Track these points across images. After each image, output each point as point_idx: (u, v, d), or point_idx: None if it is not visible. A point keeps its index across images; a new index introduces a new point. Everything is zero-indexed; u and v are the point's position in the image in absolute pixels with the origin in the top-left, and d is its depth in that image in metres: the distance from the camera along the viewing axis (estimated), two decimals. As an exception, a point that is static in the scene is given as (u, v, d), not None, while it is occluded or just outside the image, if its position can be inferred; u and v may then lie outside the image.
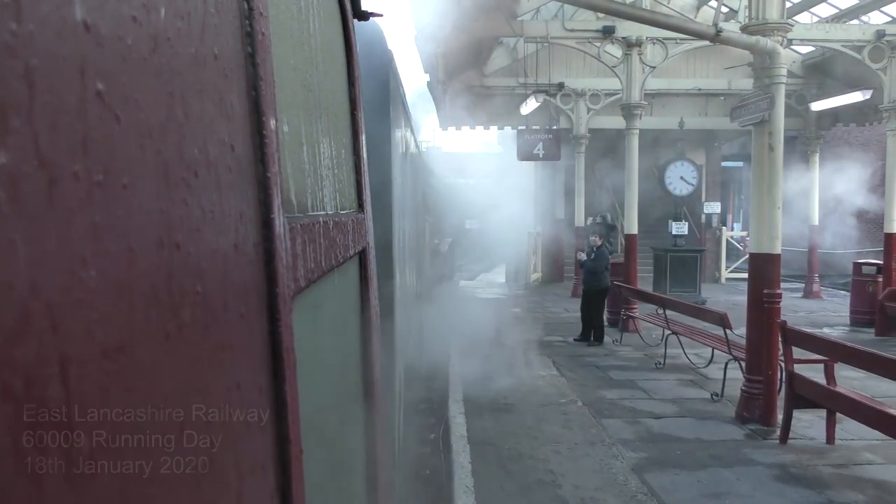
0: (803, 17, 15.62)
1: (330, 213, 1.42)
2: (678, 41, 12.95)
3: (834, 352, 6.60)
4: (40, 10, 0.41)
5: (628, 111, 13.21)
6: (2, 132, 0.37)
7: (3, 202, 0.37)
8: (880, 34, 13.46)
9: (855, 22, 14.77)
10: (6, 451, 0.36)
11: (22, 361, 0.37)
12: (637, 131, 13.24)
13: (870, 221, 22.37)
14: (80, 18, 0.45)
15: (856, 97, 15.02)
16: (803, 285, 18.81)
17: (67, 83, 0.43)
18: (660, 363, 10.23)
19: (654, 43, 13.14)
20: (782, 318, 7.39)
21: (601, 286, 11.84)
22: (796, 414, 6.93)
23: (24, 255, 0.38)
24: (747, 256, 9.32)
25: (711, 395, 8.49)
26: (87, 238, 0.44)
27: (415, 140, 9.09)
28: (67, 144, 0.43)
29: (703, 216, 21.73)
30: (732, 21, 13.56)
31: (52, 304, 0.40)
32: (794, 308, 15.72)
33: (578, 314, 12.44)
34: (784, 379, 7.16)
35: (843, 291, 18.59)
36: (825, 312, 15.77)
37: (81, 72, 0.45)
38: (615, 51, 13.53)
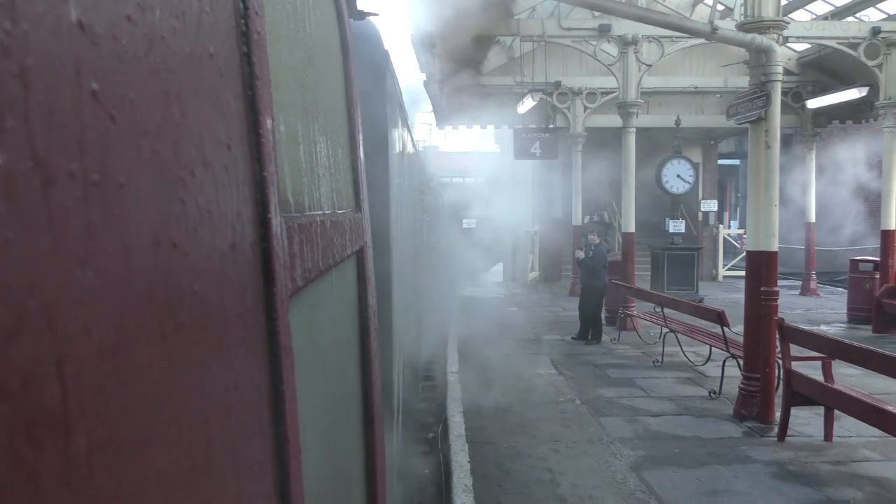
0: (799, 15, 15.64)
1: (327, 212, 1.42)
2: (674, 39, 12.96)
3: (831, 349, 6.61)
4: (35, 9, 0.41)
5: (625, 109, 13.22)
6: (-3, 132, 0.37)
7: (-2, 202, 0.37)
8: (876, 31, 13.48)
9: (851, 19, 14.79)
10: (3, 450, 0.36)
11: (18, 361, 0.37)
12: (634, 129, 13.25)
13: (867, 220, 22.42)
14: (75, 18, 0.45)
15: (852, 94, 15.04)
16: (801, 282, 18.85)
17: (63, 83, 0.43)
18: (658, 361, 10.24)
19: (650, 41, 13.15)
20: (779, 315, 7.40)
21: (599, 284, 11.85)
22: (794, 411, 6.94)
23: (20, 254, 0.38)
24: (744, 254, 9.33)
25: (709, 392, 8.50)
26: (84, 237, 0.44)
27: (411, 139, 9.09)
28: (63, 144, 0.43)
29: (700, 214, 21.75)
30: (728, 19, 13.61)
31: (49, 303, 0.40)
32: (792, 305, 15.76)
33: (576, 313, 12.45)
34: (782, 376, 7.17)
35: (840, 288, 18.62)
36: (822, 310, 15.80)
37: (77, 71, 0.45)
38: (611, 49, 13.54)
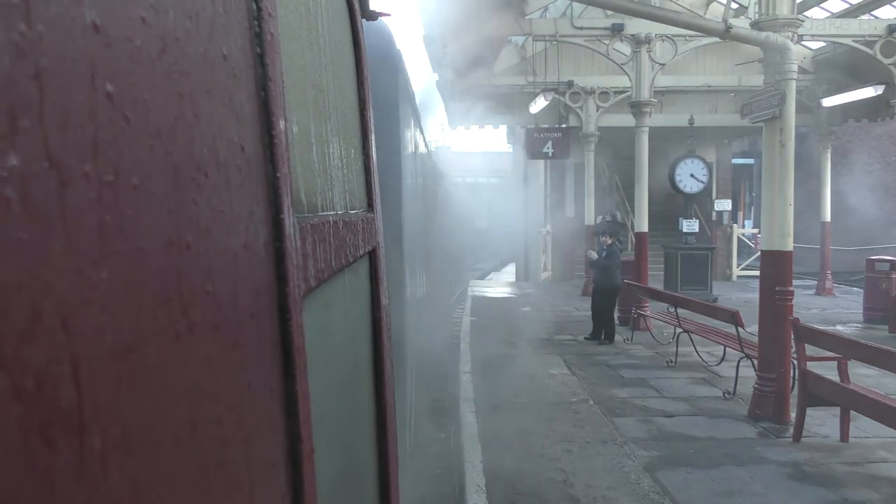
0: (814, 13, 15.52)
1: (340, 212, 1.42)
2: (687, 38, 12.90)
3: (847, 349, 6.56)
4: (50, 11, 0.41)
5: (638, 109, 13.17)
6: (12, 133, 0.37)
7: (13, 203, 0.37)
8: (892, 29, 13.36)
9: (866, 17, 14.66)
10: (18, 450, 0.36)
11: (33, 362, 0.37)
12: (647, 129, 13.19)
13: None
14: (90, 20, 0.45)
15: (867, 92, 14.91)
16: (816, 282, 18.70)
17: (77, 84, 0.44)
18: (671, 361, 10.19)
19: (663, 40, 13.09)
20: (794, 315, 7.34)
21: (612, 284, 11.81)
22: (809, 412, 6.89)
23: (34, 255, 0.38)
24: (759, 254, 9.27)
25: (724, 393, 8.45)
26: (98, 238, 0.44)
27: (424, 139, 9.09)
28: (77, 145, 0.43)
29: (714, 213, 21.63)
30: (742, 17, 13.52)
31: (63, 304, 0.40)
32: (807, 305, 15.63)
33: (589, 312, 12.41)
34: (797, 377, 7.12)
35: (856, 288, 18.46)
36: (838, 309, 15.67)
37: (91, 73, 0.45)
38: (624, 48, 13.49)
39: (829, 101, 16.62)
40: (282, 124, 0.89)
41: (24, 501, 0.36)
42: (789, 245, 7.51)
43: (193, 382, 0.59)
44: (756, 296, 8.09)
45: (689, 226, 17.14)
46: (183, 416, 0.56)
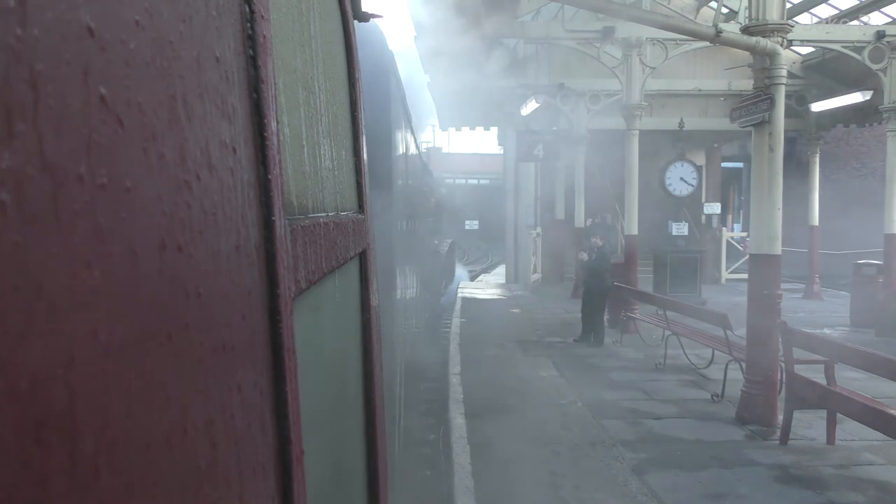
0: (803, 18, 15.63)
1: (330, 214, 1.42)
2: (678, 42, 12.97)
3: (834, 352, 6.60)
4: (45, 14, 0.41)
5: (628, 112, 13.22)
6: (7, 136, 0.37)
7: (8, 205, 0.37)
8: (880, 35, 13.47)
9: (855, 23, 14.78)
10: (11, 452, 0.36)
11: (26, 363, 0.37)
12: (637, 132, 13.23)
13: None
14: (85, 23, 0.45)
15: (856, 98, 15.03)
16: (804, 286, 18.79)
17: (71, 87, 0.44)
18: (660, 364, 10.23)
19: (653, 44, 13.15)
20: (782, 318, 7.39)
21: (602, 287, 11.84)
22: (796, 414, 6.93)
23: (28, 257, 0.38)
24: (747, 257, 9.31)
25: (712, 395, 8.49)
26: (92, 240, 0.45)
27: (415, 141, 9.10)
28: (71, 148, 0.43)
29: (704, 217, 21.72)
30: (732, 22, 13.60)
31: (56, 306, 0.41)
32: (795, 309, 15.72)
33: (579, 315, 12.43)
34: (784, 379, 7.16)
35: (843, 292, 18.57)
36: (825, 313, 15.77)
37: (85, 76, 0.45)
38: (615, 52, 13.53)
39: (817, 106, 16.74)
40: (274, 126, 0.89)
41: (19, 502, 0.36)
42: (778, 248, 7.56)
43: (184, 384, 0.59)
44: (744, 299, 8.13)
45: (679, 229, 17.21)
46: (174, 418, 0.56)
